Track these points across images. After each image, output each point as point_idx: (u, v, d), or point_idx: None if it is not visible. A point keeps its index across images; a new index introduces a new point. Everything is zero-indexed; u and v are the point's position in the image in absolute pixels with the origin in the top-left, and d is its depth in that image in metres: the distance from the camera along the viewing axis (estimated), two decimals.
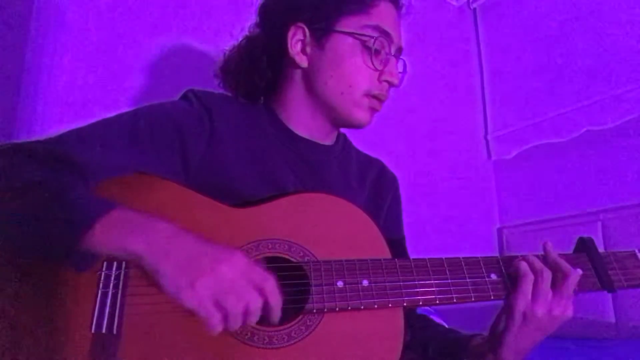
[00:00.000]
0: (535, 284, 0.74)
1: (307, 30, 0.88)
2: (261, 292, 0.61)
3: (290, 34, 0.89)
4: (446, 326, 0.98)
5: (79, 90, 1.28)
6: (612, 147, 2.16)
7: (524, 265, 0.75)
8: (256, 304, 0.61)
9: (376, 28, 0.86)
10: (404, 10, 0.95)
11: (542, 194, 2.37)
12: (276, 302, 0.63)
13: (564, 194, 2.28)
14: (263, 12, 0.96)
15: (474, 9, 2.75)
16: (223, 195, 0.76)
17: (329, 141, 0.97)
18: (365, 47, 0.86)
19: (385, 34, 0.87)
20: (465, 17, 2.72)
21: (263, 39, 0.96)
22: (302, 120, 0.92)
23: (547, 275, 0.74)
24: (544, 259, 0.77)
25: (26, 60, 1.21)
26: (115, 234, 0.60)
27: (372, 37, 0.85)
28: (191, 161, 0.81)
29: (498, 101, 2.60)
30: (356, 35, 0.86)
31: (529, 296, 0.73)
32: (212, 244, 0.62)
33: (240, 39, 1.00)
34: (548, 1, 2.41)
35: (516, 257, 0.78)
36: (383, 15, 0.88)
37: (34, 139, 0.72)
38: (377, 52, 0.86)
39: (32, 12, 1.23)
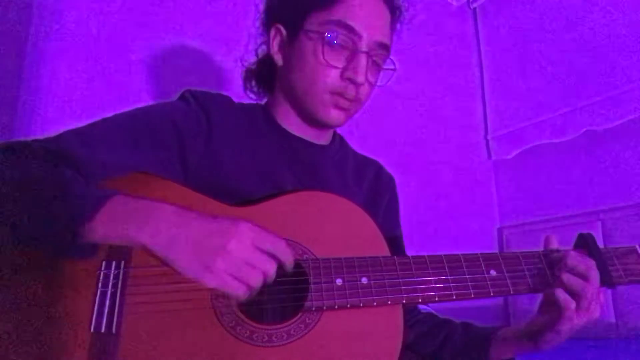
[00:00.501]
0: (578, 306, 0.75)
1: (283, 30, 0.89)
2: (274, 256, 0.63)
3: (271, 34, 0.91)
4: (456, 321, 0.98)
5: (79, 90, 1.28)
6: (612, 147, 2.16)
7: (562, 296, 0.75)
8: (272, 270, 0.62)
9: (338, 23, 0.83)
10: (397, 4, 0.91)
11: (542, 194, 2.37)
12: (290, 261, 0.65)
13: (564, 194, 2.28)
14: (260, 18, 0.98)
15: (474, 9, 2.75)
16: (221, 194, 0.76)
17: (324, 141, 0.97)
18: (326, 44, 0.83)
19: (349, 28, 0.83)
20: (465, 17, 2.72)
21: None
22: (291, 119, 0.93)
23: (587, 290, 0.74)
24: (567, 262, 0.77)
25: (26, 60, 1.22)
26: (117, 224, 0.60)
27: (328, 33, 0.83)
28: (189, 160, 0.81)
29: (498, 101, 2.60)
30: (316, 33, 0.84)
31: (575, 318, 0.75)
32: (215, 219, 0.63)
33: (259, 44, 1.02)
34: (548, 1, 2.41)
35: (515, 254, 0.79)
36: (351, 9, 0.83)
37: (33, 138, 0.72)
38: (340, 48, 0.84)
39: (32, 13, 1.24)
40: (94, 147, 0.72)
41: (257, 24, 0.99)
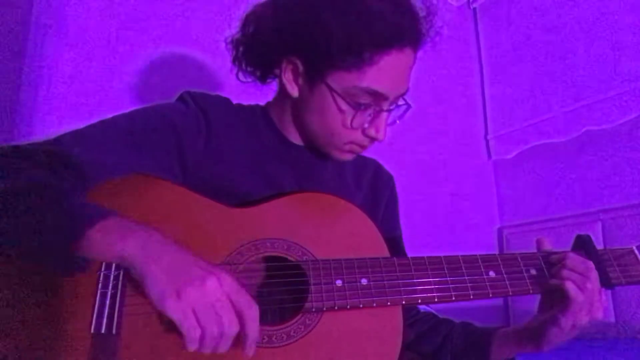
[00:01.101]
0: (583, 300, 0.75)
1: (301, 66, 0.82)
2: (241, 318, 0.59)
3: (284, 64, 0.84)
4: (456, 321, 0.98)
5: (78, 91, 1.28)
6: (612, 147, 2.16)
7: (573, 287, 0.75)
8: (232, 329, 0.59)
9: (368, 91, 0.79)
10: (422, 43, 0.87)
11: (542, 194, 2.37)
12: (253, 331, 0.60)
13: (564, 194, 2.28)
14: (261, 24, 0.88)
15: (474, 9, 2.75)
16: (220, 195, 0.76)
17: None
18: (352, 108, 0.80)
19: (378, 95, 0.80)
20: (465, 17, 2.72)
21: (261, 40, 0.88)
22: (293, 132, 0.92)
23: (590, 285, 0.75)
24: (567, 263, 0.78)
25: (26, 60, 1.22)
26: (107, 243, 0.60)
27: (360, 101, 0.79)
28: (188, 162, 0.81)
29: (498, 101, 2.60)
30: (343, 97, 0.79)
31: (578, 313, 0.75)
32: (202, 259, 0.61)
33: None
34: (548, 1, 2.41)
35: (514, 255, 0.79)
36: (381, 73, 0.79)
37: (33, 139, 0.72)
38: (366, 110, 0.81)
39: (32, 13, 1.24)
40: (93, 149, 0.72)
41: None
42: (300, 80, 0.84)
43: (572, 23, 2.30)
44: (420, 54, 0.90)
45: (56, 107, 1.23)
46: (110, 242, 0.60)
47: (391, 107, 0.84)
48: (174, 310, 0.56)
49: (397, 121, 0.89)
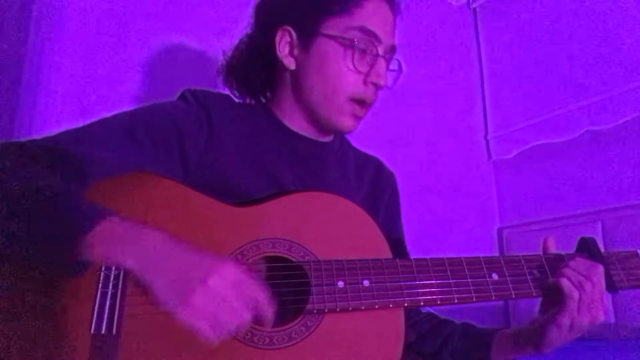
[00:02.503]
0: (580, 300, 0.75)
1: (294, 33, 0.88)
2: (253, 305, 0.60)
3: (278, 36, 0.89)
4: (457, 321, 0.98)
5: (79, 90, 1.27)
6: (612, 147, 2.16)
7: (567, 284, 0.76)
8: (247, 318, 0.59)
9: (360, 29, 0.84)
10: (399, 5, 0.93)
11: (542, 194, 2.37)
12: (268, 314, 0.61)
13: (564, 194, 2.28)
14: (255, 13, 0.96)
15: (474, 9, 2.75)
16: (222, 192, 0.76)
17: (326, 138, 0.97)
18: (349, 49, 0.85)
19: (370, 34, 0.85)
20: (465, 17, 2.72)
21: (257, 39, 0.96)
22: (295, 119, 0.93)
23: (589, 287, 0.75)
24: (570, 263, 0.78)
25: (26, 60, 1.21)
26: (107, 248, 0.59)
27: (355, 39, 0.84)
28: (190, 159, 0.81)
29: (498, 101, 2.60)
30: (339, 38, 0.84)
31: (575, 312, 0.75)
32: (202, 253, 0.61)
33: (239, 39, 1.00)
34: (548, 1, 2.41)
35: (517, 258, 0.79)
36: (369, 14, 0.85)
37: (32, 138, 0.72)
38: (363, 53, 0.85)
39: (32, 12, 1.23)
40: (94, 146, 0.72)
41: (249, 22, 0.97)
42: (296, 51, 0.88)
43: (572, 23, 2.29)
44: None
45: (56, 107, 1.22)
46: (109, 251, 0.59)
47: (386, 56, 0.88)
48: (185, 320, 0.57)
49: (395, 84, 0.93)
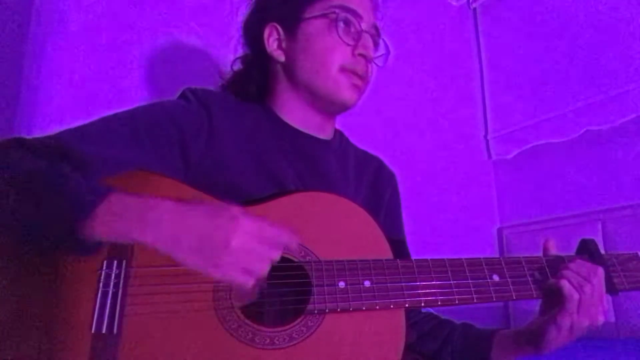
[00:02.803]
0: (580, 301, 0.75)
1: (280, 28, 0.93)
2: (278, 246, 0.63)
3: (265, 34, 0.93)
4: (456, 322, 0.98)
5: (79, 90, 1.27)
6: (612, 147, 2.16)
7: (567, 286, 0.76)
8: (277, 255, 0.62)
9: (341, 7, 0.88)
10: None
11: (542, 194, 2.37)
12: (293, 245, 0.65)
13: (564, 194, 2.28)
14: (243, 30, 1.01)
15: (474, 9, 2.75)
16: (222, 191, 0.76)
17: (326, 136, 0.97)
18: (333, 24, 0.88)
19: (351, 11, 0.89)
20: (465, 17, 2.72)
21: (250, 52, 1.00)
22: (295, 113, 0.94)
23: (589, 289, 0.75)
24: (570, 265, 0.78)
25: (26, 60, 1.21)
26: (117, 222, 0.59)
27: (337, 13, 0.88)
28: (191, 158, 0.81)
29: (498, 101, 2.60)
30: (323, 15, 0.88)
31: (575, 313, 0.76)
32: (214, 213, 0.61)
33: (233, 61, 1.04)
34: (548, 1, 2.41)
35: (518, 259, 0.79)
36: None
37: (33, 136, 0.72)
38: (347, 27, 0.89)
39: (32, 12, 1.23)
40: (95, 144, 0.72)
41: (240, 32, 1.01)
42: (284, 44, 0.93)
43: (572, 23, 2.29)
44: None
45: (56, 107, 1.22)
46: (118, 227, 0.59)
47: (371, 32, 0.92)
48: (221, 278, 0.60)
49: (383, 64, 0.97)
